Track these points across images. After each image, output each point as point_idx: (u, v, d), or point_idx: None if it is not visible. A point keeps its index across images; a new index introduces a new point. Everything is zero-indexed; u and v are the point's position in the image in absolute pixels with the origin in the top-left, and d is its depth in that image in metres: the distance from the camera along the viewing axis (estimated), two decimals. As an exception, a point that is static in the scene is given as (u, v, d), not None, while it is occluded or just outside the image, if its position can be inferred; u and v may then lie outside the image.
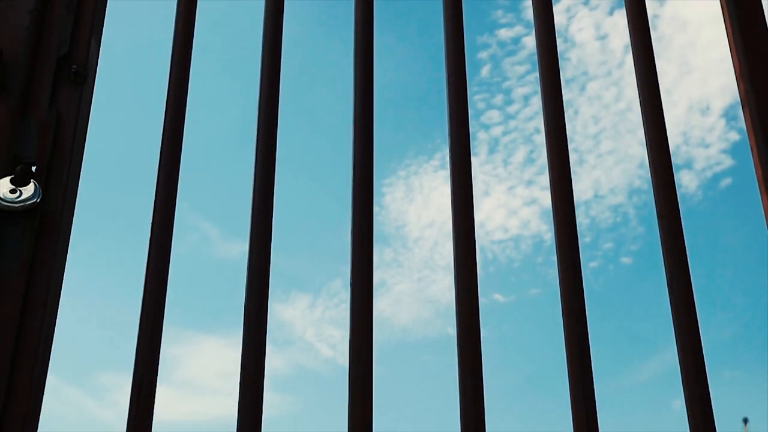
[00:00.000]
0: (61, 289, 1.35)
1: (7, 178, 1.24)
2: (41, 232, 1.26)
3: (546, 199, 1.53)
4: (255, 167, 1.46)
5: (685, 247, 1.45)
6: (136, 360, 1.34)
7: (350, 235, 1.48)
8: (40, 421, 1.32)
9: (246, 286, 1.42)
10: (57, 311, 1.35)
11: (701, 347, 1.40)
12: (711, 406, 1.39)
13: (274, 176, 1.48)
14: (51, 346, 1.31)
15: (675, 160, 1.49)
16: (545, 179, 1.53)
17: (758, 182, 1.47)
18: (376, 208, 1.54)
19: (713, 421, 1.37)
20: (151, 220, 1.39)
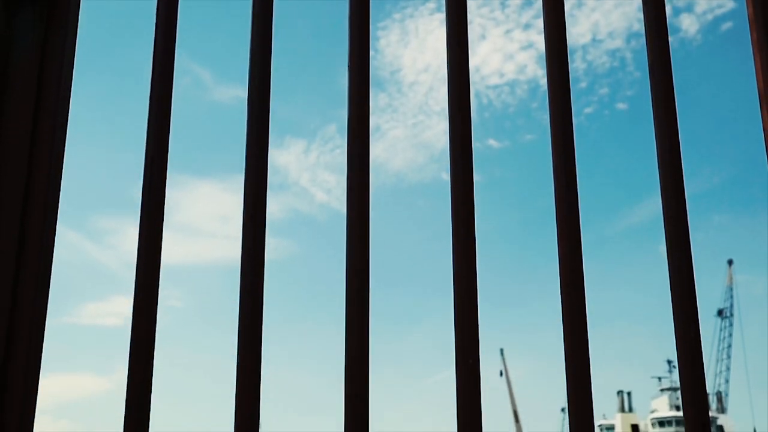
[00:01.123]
0: (71, 84, 1.40)
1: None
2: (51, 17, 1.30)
3: (543, 43, 1.53)
4: (252, 10, 1.46)
5: (674, 97, 1.47)
6: (142, 203, 1.40)
7: (347, 77, 1.49)
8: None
9: (246, 132, 1.44)
10: (69, 105, 1.40)
11: (684, 194, 1.45)
12: (690, 250, 1.44)
13: (271, 20, 1.48)
14: (63, 152, 1.38)
15: (675, 2, 1.47)
16: (542, 23, 1.53)
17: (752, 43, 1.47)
18: (371, 53, 1.54)
19: (691, 267, 1.43)
20: (152, 60, 1.42)
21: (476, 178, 1.51)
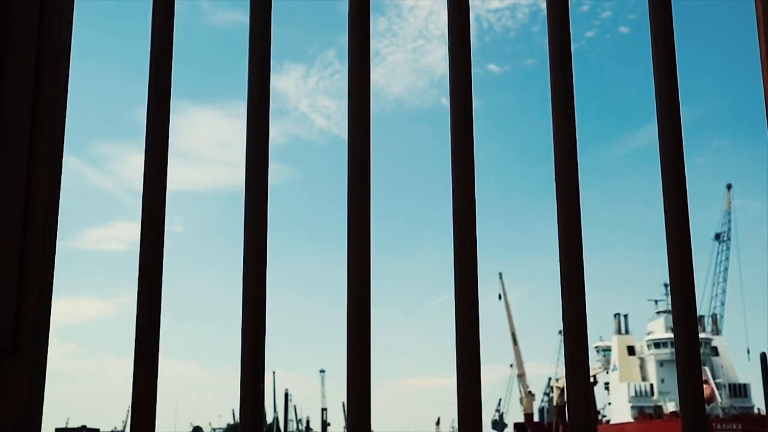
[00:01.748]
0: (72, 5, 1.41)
1: None
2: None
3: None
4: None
5: (671, 20, 1.47)
6: (147, 128, 1.41)
7: (347, 1, 1.49)
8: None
9: (248, 58, 1.45)
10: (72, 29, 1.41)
11: (679, 118, 1.46)
12: (685, 178, 1.46)
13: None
14: (67, 81, 1.39)
15: None
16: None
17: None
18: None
19: (685, 192, 1.45)
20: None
21: (476, 103, 1.52)
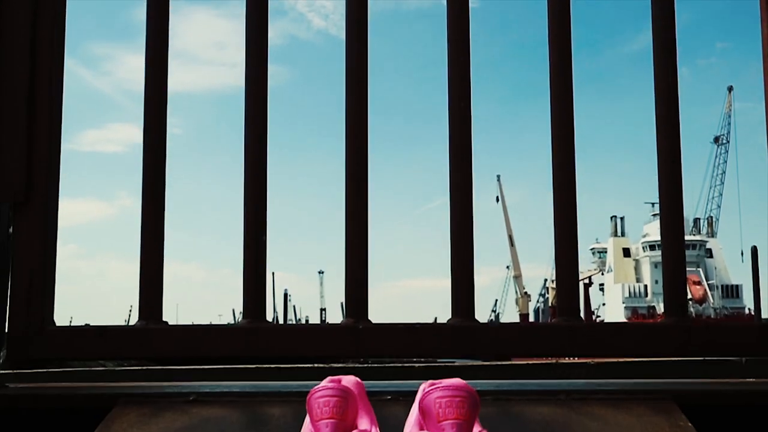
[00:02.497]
0: None
1: None
2: None
3: None
4: None
5: None
6: (147, 28, 1.42)
7: None
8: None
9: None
10: None
11: (674, 27, 1.46)
12: (677, 87, 1.47)
13: None
14: None
15: None
16: None
17: None
18: None
19: (677, 104, 1.46)
20: None
21: (472, 4, 1.52)
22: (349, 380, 0.98)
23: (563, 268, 1.48)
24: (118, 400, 1.35)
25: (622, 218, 64.99)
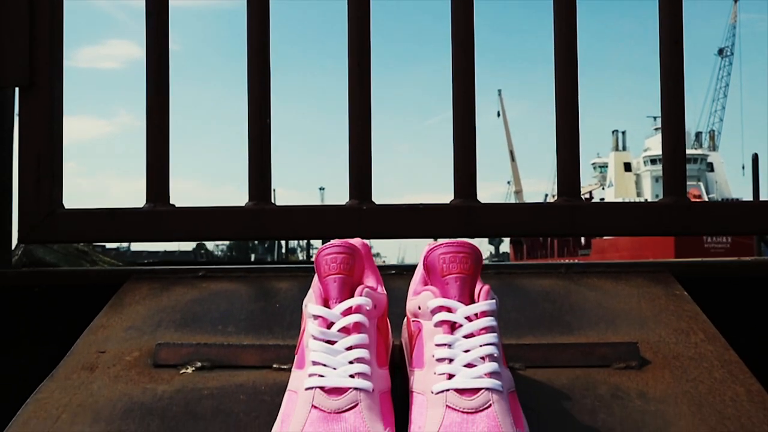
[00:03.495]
0: None
1: None
2: None
3: None
4: None
5: None
6: None
7: None
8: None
9: None
10: None
11: None
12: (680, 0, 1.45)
13: None
14: None
15: None
16: None
17: None
18: None
19: (680, 18, 1.44)
20: None
21: None
22: (355, 240, 1.00)
23: (565, 146, 1.49)
24: (129, 277, 1.38)
25: (623, 132, 64.64)
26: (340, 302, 0.92)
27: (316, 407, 0.85)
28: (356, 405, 0.85)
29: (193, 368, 1.07)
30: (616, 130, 64.55)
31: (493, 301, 0.92)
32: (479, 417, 0.84)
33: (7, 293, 1.46)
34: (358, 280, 0.96)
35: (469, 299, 0.92)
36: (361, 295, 0.92)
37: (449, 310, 0.91)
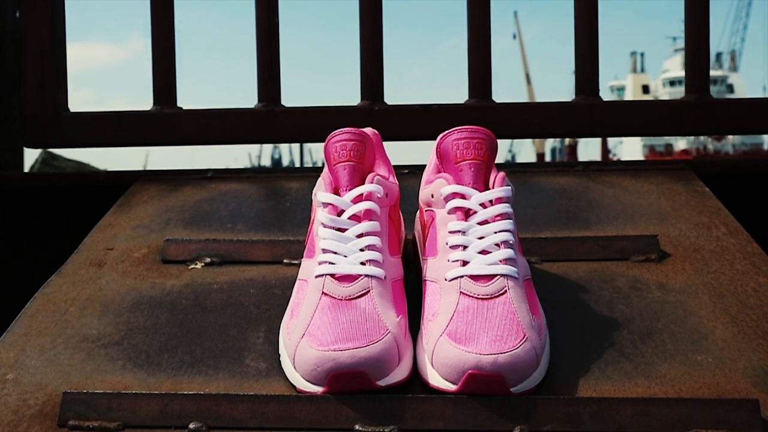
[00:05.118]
0: None
1: None
2: None
3: None
4: None
5: None
6: None
7: None
8: None
9: None
10: None
11: None
12: None
13: None
14: None
15: None
16: None
17: None
18: None
19: None
20: None
21: None
22: (367, 129, 0.97)
23: (583, 37, 1.44)
24: (137, 178, 1.36)
25: (642, 54, 63.57)
26: (350, 190, 0.89)
27: (326, 294, 0.83)
28: (368, 292, 0.83)
29: (202, 264, 1.05)
30: (635, 52, 63.51)
31: (509, 187, 0.89)
32: (494, 303, 0.81)
33: (17, 195, 1.44)
34: (369, 167, 0.92)
35: (484, 186, 0.89)
36: (372, 183, 0.89)
37: (463, 196, 0.88)
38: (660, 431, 0.74)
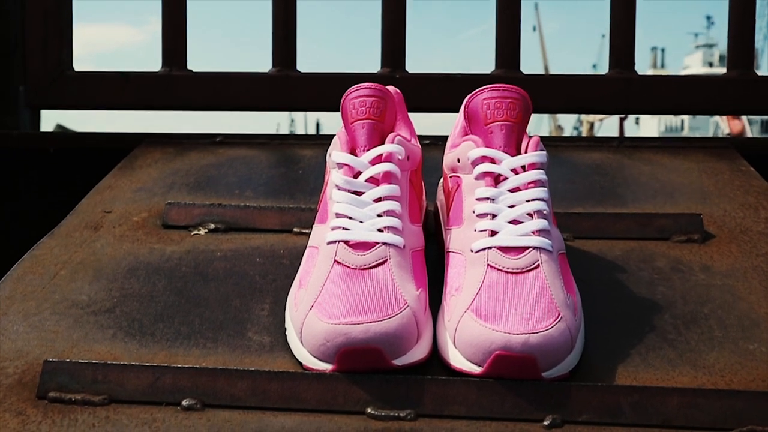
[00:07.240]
0: None
1: None
2: None
3: None
4: None
5: None
6: None
7: None
8: None
9: None
10: None
11: None
12: None
13: None
14: None
15: None
16: None
17: None
18: None
19: None
20: None
21: None
22: (389, 87, 0.88)
23: (619, 5, 1.34)
24: (142, 141, 1.28)
25: (662, 50, 63.04)
26: (368, 150, 0.80)
27: (339, 263, 0.75)
28: (385, 261, 0.75)
29: (206, 230, 0.97)
30: (656, 47, 62.99)
31: (544, 152, 0.81)
32: (525, 278, 0.73)
33: (18, 154, 1.37)
34: (390, 127, 0.84)
35: (516, 150, 0.80)
36: (392, 143, 0.81)
37: (493, 161, 0.79)
38: (710, 425, 0.66)
